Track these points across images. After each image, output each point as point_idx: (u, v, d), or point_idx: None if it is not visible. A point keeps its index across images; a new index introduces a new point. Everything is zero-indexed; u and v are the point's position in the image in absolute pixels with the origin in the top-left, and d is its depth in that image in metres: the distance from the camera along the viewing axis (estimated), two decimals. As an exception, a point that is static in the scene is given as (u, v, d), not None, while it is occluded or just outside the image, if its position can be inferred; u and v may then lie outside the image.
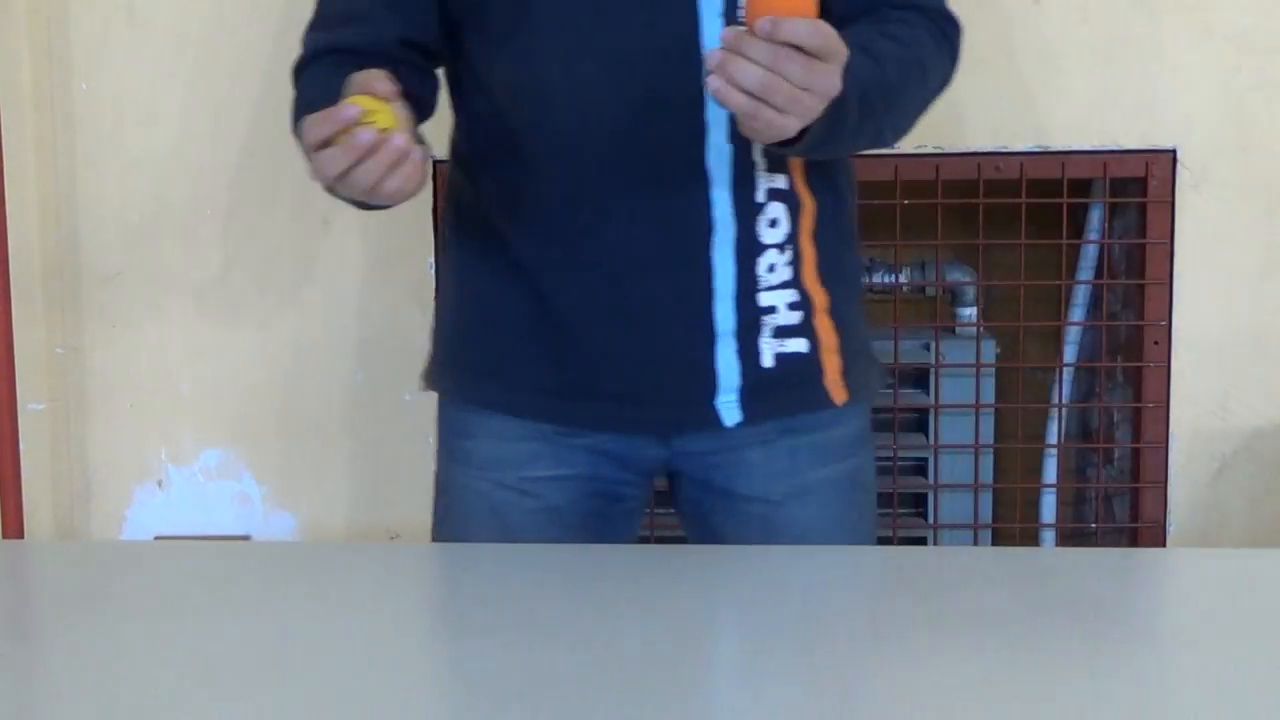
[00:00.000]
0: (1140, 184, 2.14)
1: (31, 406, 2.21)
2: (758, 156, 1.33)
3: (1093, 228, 2.23)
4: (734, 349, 1.37)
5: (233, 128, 2.17)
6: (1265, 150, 2.12)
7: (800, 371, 1.39)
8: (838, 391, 1.41)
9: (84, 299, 2.21)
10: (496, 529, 1.42)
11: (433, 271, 2.19)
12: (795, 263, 1.38)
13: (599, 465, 1.42)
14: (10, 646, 1.11)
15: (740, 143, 1.31)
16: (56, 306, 2.21)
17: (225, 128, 2.17)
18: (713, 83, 1.13)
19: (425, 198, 2.17)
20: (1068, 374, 2.28)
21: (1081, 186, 2.22)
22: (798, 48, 1.11)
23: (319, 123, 1.17)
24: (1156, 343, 2.16)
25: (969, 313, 2.29)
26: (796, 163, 1.36)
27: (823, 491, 1.42)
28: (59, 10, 2.15)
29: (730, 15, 1.29)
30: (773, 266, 1.37)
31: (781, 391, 1.39)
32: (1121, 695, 0.98)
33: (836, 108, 1.18)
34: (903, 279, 2.26)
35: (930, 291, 2.32)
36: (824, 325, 1.40)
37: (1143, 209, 2.14)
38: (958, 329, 2.29)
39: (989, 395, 2.24)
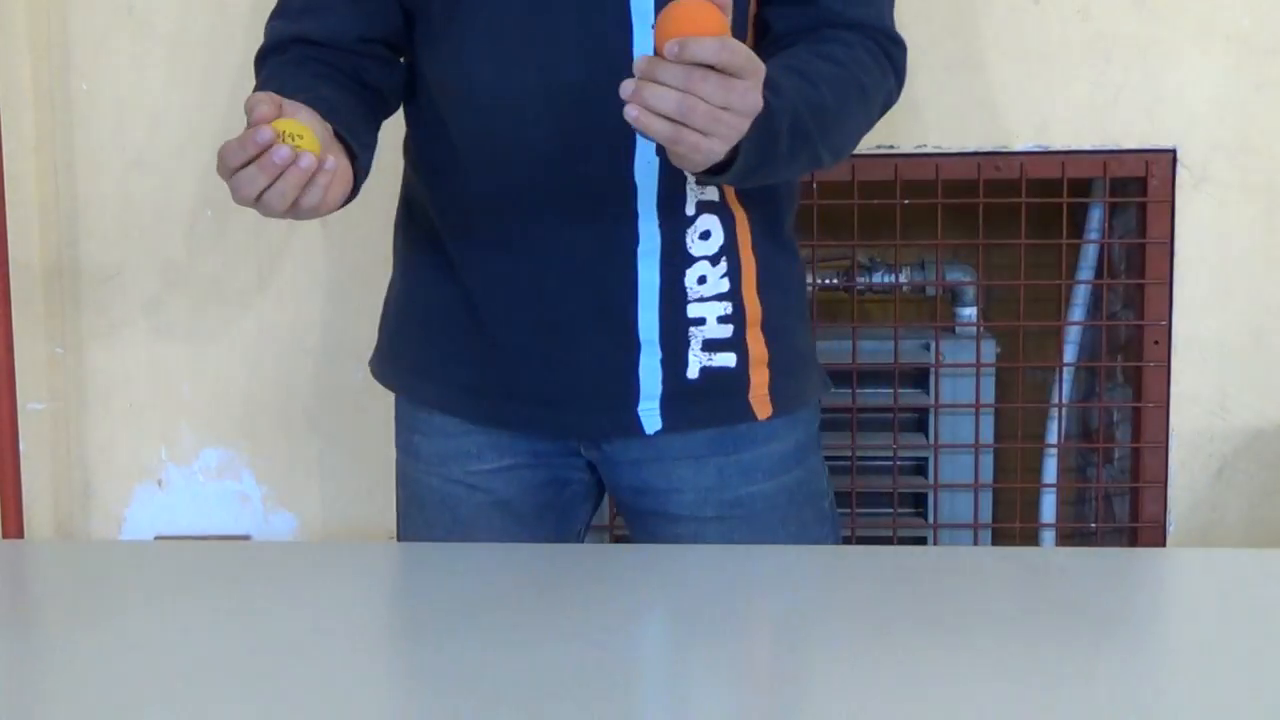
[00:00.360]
0: (1140, 184, 2.14)
1: (31, 406, 2.21)
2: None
3: (1093, 227, 2.23)
4: (657, 358, 1.37)
5: (232, 127, 2.16)
6: (1265, 150, 2.12)
7: (724, 385, 1.39)
8: (761, 406, 1.40)
9: (84, 299, 2.21)
10: (449, 522, 1.44)
11: (433, 271, 2.19)
12: (733, 274, 1.38)
13: (540, 456, 1.43)
14: (10, 646, 1.11)
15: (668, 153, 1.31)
16: (56, 306, 2.21)
17: (224, 127, 2.17)
18: (630, 111, 1.11)
19: (425, 197, 2.17)
20: (1068, 374, 2.28)
21: (1081, 186, 2.22)
22: (711, 67, 1.10)
23: (235, 150, 1.17)
24: (1156, 342, 2.16)
25: (969, 312, 2.29)
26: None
27: (754, 508, 1.41)
28: (59, 10, 2.15)
29: None
30: (703, 278, 1.36)
31: (703, 402, 1.39)
32: (1121, 695, 0.98)
33: (766, 129, 1.17)
34: (903, 279, 2.26)
35: (930, 291, 2.32)
36: (755, 339, 1.40)
37: (1143, 209, 2.14)
38: (958, 329, 2.29)
39: (989, 395, 2.24)
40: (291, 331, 2.21)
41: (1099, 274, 2.23)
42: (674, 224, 1.34)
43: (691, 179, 1.33)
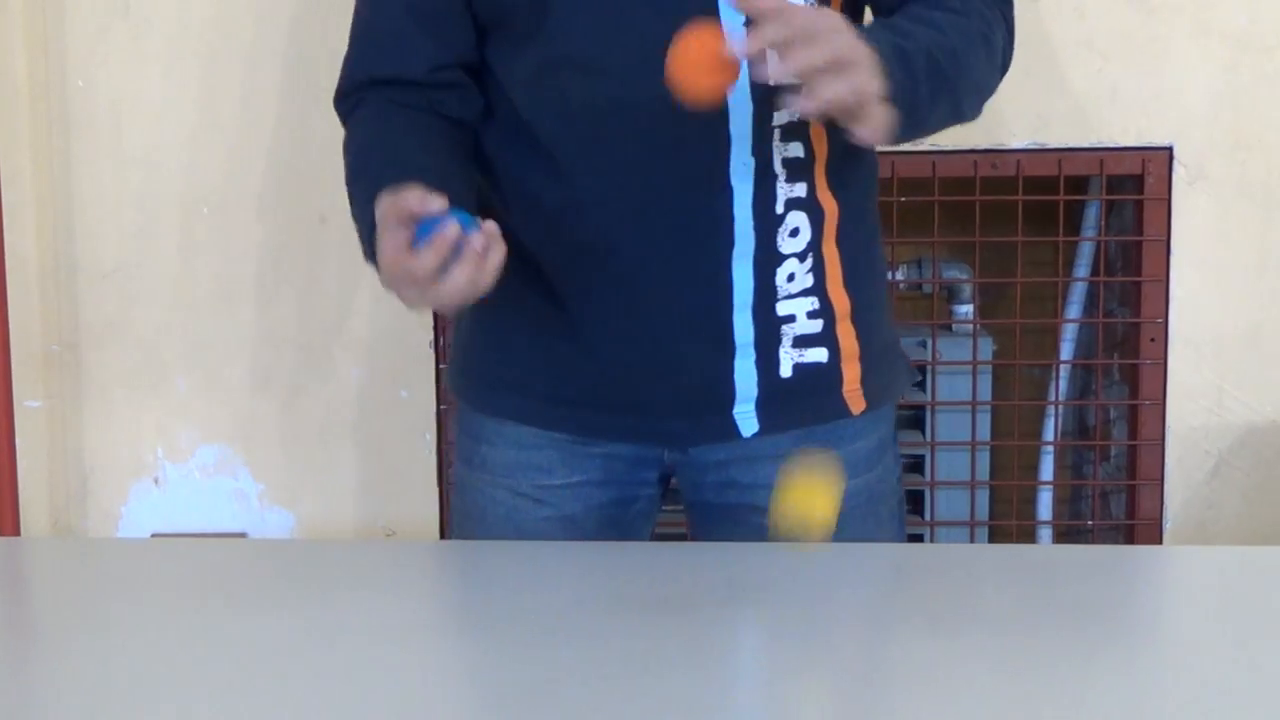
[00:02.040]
0: (1137, 181, 2.14)
1: (27, 404, 2.21)
2: (779, 168, 1.32)
3: (1089, 225, 2.23)
4: (752, 360, 1.36)
5: (229, 125, 2.17)
6: (1262, 148, 2.12)
7: (818, 381, 1.38)
8: (855, 401, 1.40)
9: (80, 296, 2.20)
10: (511, 535, 1.41)
11: (429, 269, 2.19)
12: (817, 270, 1.37)
13: (614, 471, 1.41)
14: (6, 644, 1.11)
15: (762, 155, 1.30)
16: (52, 304, 2.21)
17: (222, 125, 2.17)
18: (804, 105, 1.13)
19: (422, 195, 2.17)
20: (1064, 371, 2.28)
21: (1078, 184, 2.22)
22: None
23: (433, 251, 1.15)
24: (1153, 340, 2.16)
25: (965, 310, 2.29)
26: (818, 169, 1.34)
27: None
28: (55, 7, 2.15)
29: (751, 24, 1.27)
30: (792, 275, 1.36)
31: (799, 401, 1.38)
32: (1118, 692, 0.98)
33: (905, 68, 1.17)
34: (899, 276, 2.26)
35: (927, 289, 2.32)
36: (845, 332, 1.39)
37: (1139, 206, 2.14)
38: (954, 326, 2.29)
39: (986, 393, 2.24)
40: (288, 328, 2.21)
41: (1095, 271, 2.23)
42: (767, 224, 1.33)
43: (781, 175, 1.32)
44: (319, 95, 2.14)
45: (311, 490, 2.24)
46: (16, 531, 2.16)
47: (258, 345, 2.21)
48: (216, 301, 2.20)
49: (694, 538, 1.48)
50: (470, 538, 1.46)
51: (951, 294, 2.30)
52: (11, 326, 2.14)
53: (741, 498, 1.41)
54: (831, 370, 1.39)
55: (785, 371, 1.37)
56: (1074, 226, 2.24)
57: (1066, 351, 2.27)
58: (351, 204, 1.34)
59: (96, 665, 1.04)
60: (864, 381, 1.40)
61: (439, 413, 2.22)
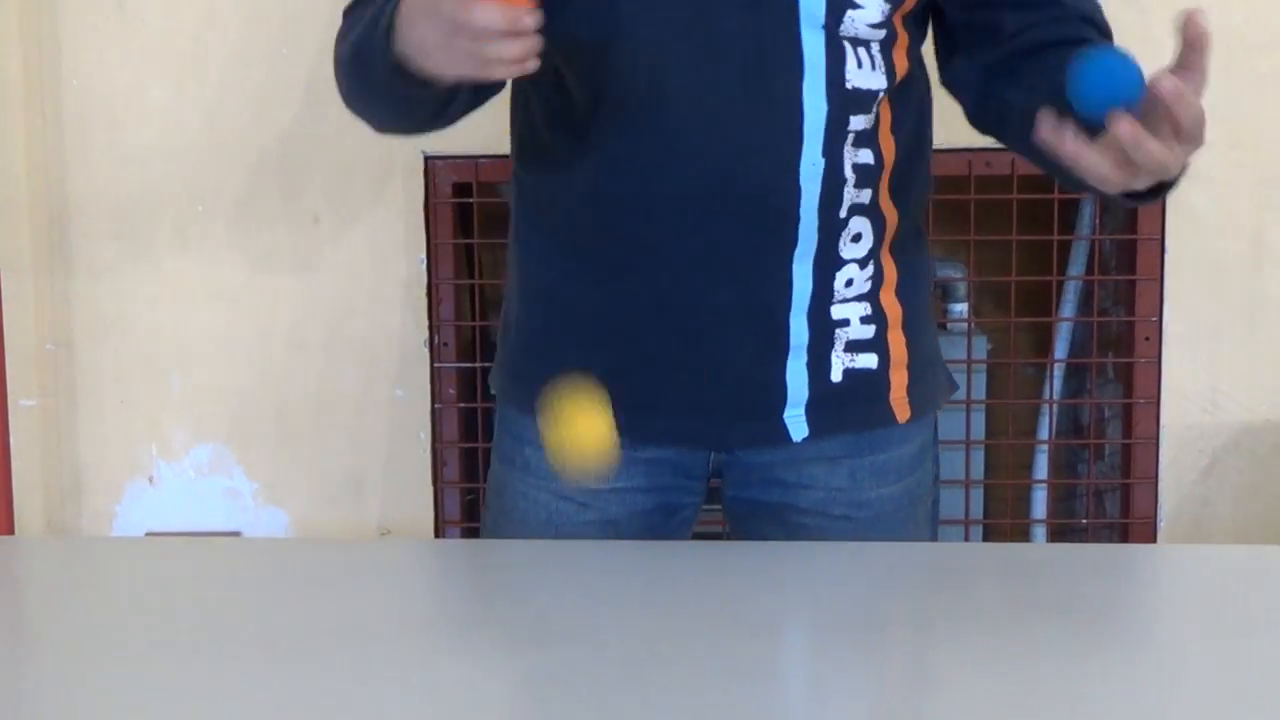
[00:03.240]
0: (1131, 180, 2.14)
1: (22, 403, 2.21)
2: (848, 172, 1.31)
3: (1084, 224, 2.23)
4: (804, 362, 1.35)
5: (224, 123, 2.17)
6: (1256, 147, 2.12)
7: (866, 387, 1.38)
8: (901, 409, 1.39)
9: (74, 295, 2.20)
10: (551, 538, 1.40)
11: (424, 268, 2.19)
12: (876, 277, 1.37)
13: (659, 476, 1.41)
14: (0, 643, 1.11)
15: (833, 158, 1.29)
16: (47, 302, 2.21)
17: (216, 123, 2.17)
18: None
19: (416, 193, 2.17)
20: (1059, 370, 2.28)
21: (1073, 182, 2.22)
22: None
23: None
24: (1147, 339, 2.16)
25: (960, 309, 2.29)
26: (884, 177, 1.34)
27: (879, 510, 1.41)
28: (50, 6, 2.15)
29: (830, 27, 1.26)
30: (850, 281, 1.35)
31: (847, 406, 1.37)
32: (1112, 691, 0.98)
33: None
34: (894, 275, 2.26)
35: (921, 287, 2.32)
36: (896, 340, 1.38)
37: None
38: (949, 325, 2.29)
39: (980, 391, 2.24)
40: (282, 327, 2.21)
41: (1090, 270, 2.24)
42: (830, 227, 1.32)
43: (850, 179, 1.31)
44: (314, 93, 2.14)
45: (306, 489, 2.25)
46: (11, 531, 2.16)
47: (252, 344, 2.21)
48: (210, 300, 2.20)
49: (732, 533, 1.48)
50: (507, 538, 1.44)
51: (946, 292, 2.31)
52: (6, 325, 2.14)
53: (785, 496, 1.41)
54: (880, 377, 1.38)
55: (836, 376, 1.36)
56: (1068, 225, 2.24)
57: (1061, 350, 2.27)
58: (351, 38, 1.26)
59: (91, 665, 1.04)
60: (910, 390, 1.40)
61: (434, 412, 2.22)
